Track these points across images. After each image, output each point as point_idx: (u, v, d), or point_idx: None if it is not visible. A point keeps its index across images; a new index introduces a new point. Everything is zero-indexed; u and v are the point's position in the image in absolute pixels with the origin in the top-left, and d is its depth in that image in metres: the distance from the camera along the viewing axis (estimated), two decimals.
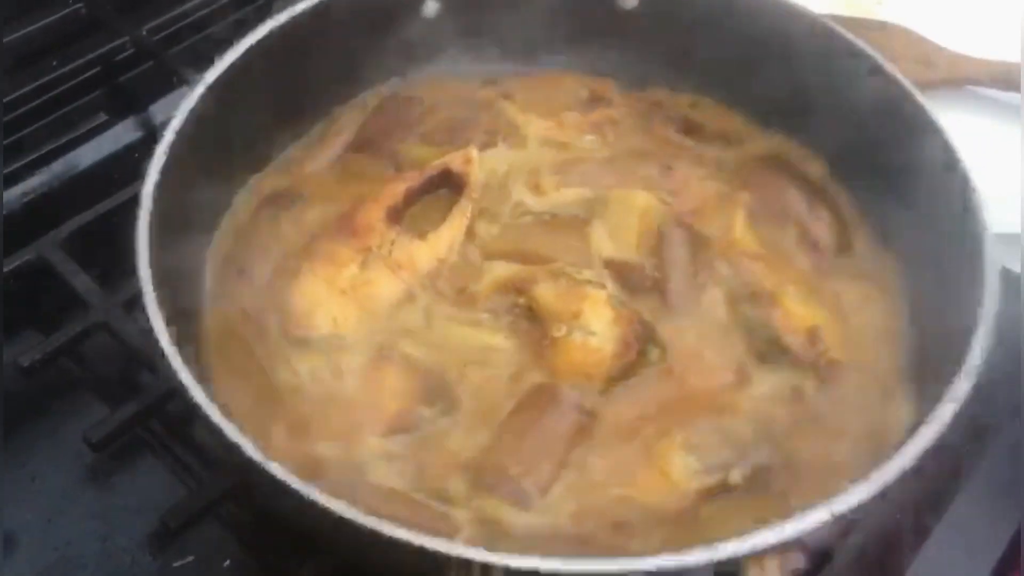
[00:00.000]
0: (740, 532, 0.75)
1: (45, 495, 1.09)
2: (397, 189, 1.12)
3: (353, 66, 1.24)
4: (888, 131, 1.12)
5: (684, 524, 0.90)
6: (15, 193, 1.31)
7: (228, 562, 1.04)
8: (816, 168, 1.21)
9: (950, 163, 1.05)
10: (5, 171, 1.32)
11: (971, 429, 1.11)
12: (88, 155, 1.37)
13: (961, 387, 0.85)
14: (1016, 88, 1.45)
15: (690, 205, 1.14)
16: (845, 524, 0.89)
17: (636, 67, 1.29)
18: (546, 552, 0.73)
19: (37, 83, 1.40)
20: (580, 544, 0.88)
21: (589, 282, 1.06)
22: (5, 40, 1.40)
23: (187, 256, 1.05)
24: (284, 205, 1.14)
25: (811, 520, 0.76)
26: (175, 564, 1.04)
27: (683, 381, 1.01)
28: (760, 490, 0.93)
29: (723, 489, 0.93)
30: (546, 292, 1.04)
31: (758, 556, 0.74)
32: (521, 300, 1.05)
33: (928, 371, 1.00)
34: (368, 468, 0.93)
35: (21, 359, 1.10)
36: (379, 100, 1.26)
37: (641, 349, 1.01)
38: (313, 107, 1.24)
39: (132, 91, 1.46)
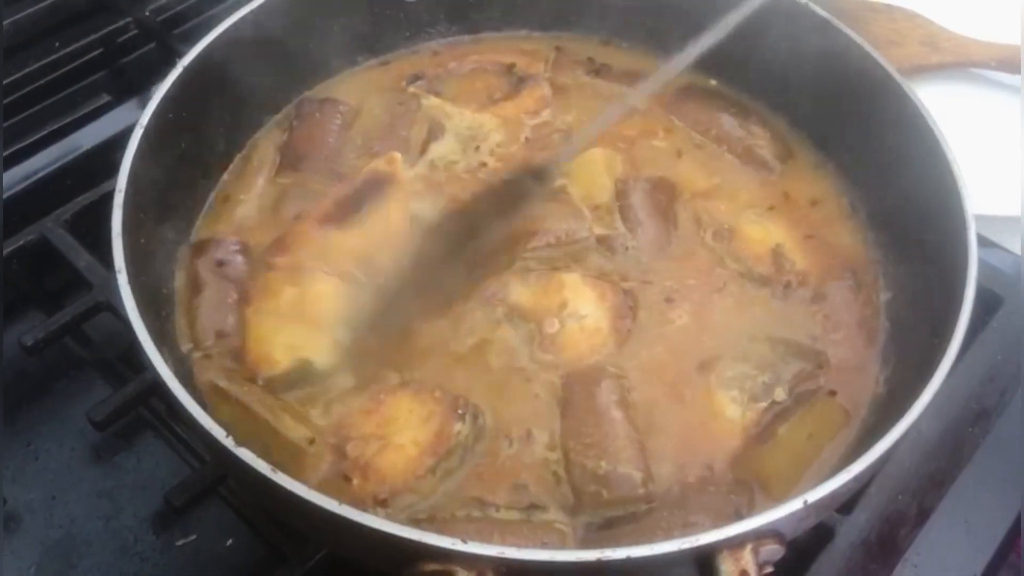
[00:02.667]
0: (717, 523, 0.76)
1: (49, 474, 1.09)
2: (326, 204, 1.08)
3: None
4: (793, 49, 1.16)
5: (762, 453, 0.94)
6: (18, 173, 1.31)
7: (231, 541, 1.05)
8: (735, 92, 1.26)
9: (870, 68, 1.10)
10: (8, 152, 1.32)
11: (973, 412, 1.11)
12: (91, 136, 1.37)
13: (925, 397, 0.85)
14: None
15: (641, 153, 1.19)
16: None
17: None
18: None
19: (39, 64, 1.41)
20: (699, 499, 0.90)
21: (556, 269, 1.06)
22: (7, 21, 1.39)
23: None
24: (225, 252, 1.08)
25: (785, 509, 0.77)
26: (178, 543, 1.04)
27: (682, 323, 1.04)
28: (810, 398, 0.98)
29: (776, 410, 0.97)
30: (522, 295, 1.03)
31: (732, 546, 0.74)
32: (499, 311, 1.03)
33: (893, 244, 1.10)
34: (445, 504, 0.91)
35: (24, 338, 1.10)
36: (295, 109, 1.22)
37: (634, 314, 1.03)
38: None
39: (135, 72, 1.46)
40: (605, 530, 0.88)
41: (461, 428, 0.93)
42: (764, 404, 0.97)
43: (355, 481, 0.89)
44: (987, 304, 1.16)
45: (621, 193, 1.12)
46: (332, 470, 0.91)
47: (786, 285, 1.07)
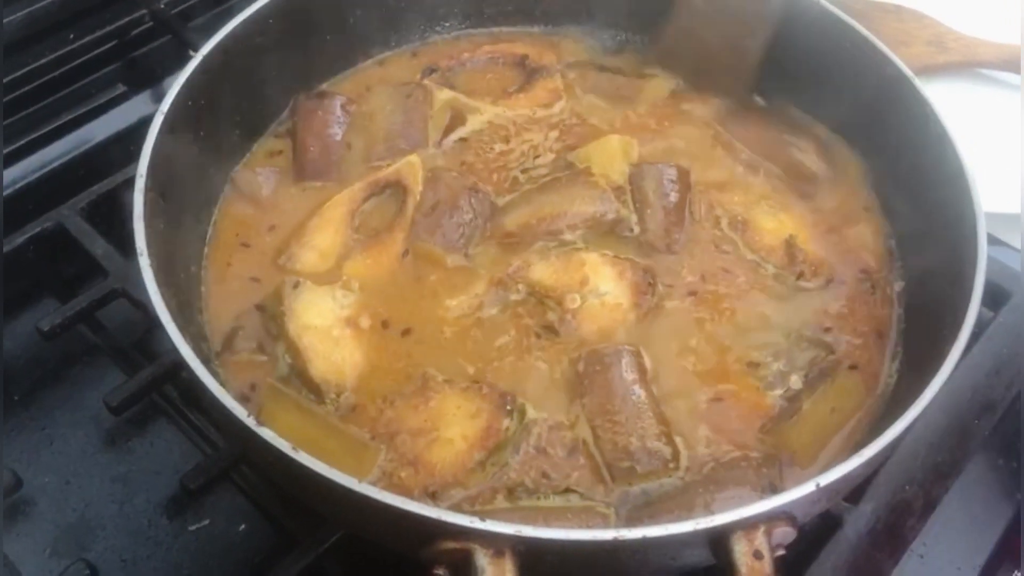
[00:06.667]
0: (734, 503, 0.78)
1: (64, 458, 1.10)
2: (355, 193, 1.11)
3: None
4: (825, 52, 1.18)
5: (787, 428, 0.95)
6: (34, 163, 1.33)
7: (243, 526, 1.05)
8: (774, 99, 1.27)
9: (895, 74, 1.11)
10: (24, 141, 1.34)
11: (980, 404, 1.12)
12: (105, 126, 1.38)
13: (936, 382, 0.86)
14: None
15: (657, 143, 1.21)
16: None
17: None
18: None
19: (54, 55, 1.42)
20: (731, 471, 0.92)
21: (576, 248, 1.07)
22: (23, 12, 1.40)
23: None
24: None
25: (798, 492, 0.78)
26: (191, 527, 1.05)
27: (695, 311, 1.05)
28: (831, 372, 1.00)
29: (794, 395, 0.98)
30: (543, 273, 1.05)
31: (746, 527, 0.75)
32: (519, 287, 1.05)
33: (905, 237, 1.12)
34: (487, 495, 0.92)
35: (41, 323, 1.11)
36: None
37: (653, 292, 1.05)
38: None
39: (149, 64, 1.47)
40: (644, 509, 0.89)
41: (509, 424, 0.94)
42: (780, 391, 0.99)
43: (404, 474, 0.90)
44: (994, 299, 1.17)
45: (634, 176, 1.13)
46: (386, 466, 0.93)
47: (799, 275, 1.08)
